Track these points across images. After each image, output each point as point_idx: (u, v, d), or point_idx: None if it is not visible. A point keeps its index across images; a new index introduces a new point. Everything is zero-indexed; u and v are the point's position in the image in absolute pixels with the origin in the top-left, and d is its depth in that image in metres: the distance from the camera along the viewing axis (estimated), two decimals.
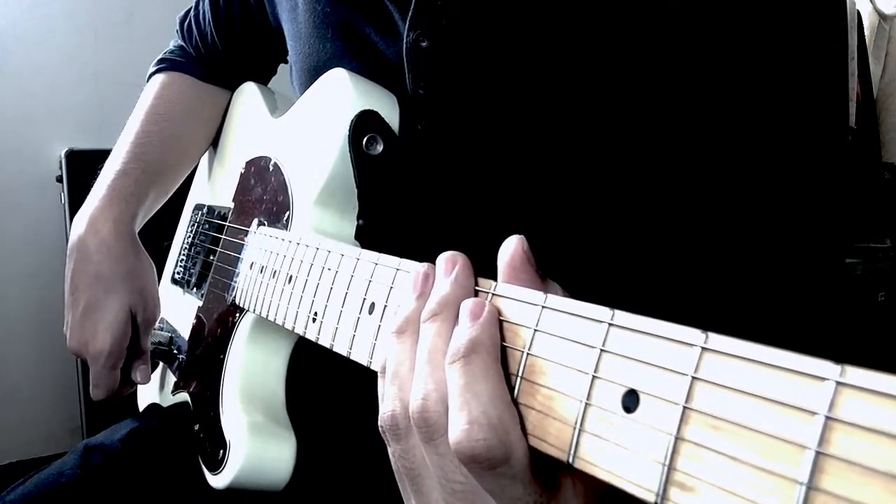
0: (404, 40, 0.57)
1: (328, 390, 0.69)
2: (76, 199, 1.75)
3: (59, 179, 1.77)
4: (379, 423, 0.36)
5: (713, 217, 0.54)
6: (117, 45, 1.91)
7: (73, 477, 0.65)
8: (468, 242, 0.37)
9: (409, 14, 0.56)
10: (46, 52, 1.84)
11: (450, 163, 0.59)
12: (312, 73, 0.66)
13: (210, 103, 0.89)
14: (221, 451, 0.61)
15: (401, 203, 0.59)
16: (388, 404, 0.35)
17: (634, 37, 0.52)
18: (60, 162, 1.77)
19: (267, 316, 0.58)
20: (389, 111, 0.58)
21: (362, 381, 0.47)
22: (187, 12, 0.92)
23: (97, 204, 0.76)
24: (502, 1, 0.54)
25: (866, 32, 1.96)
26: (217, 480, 0.61)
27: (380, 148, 0.57)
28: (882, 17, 2.00)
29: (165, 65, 0.91)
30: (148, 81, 0.92)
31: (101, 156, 1.79)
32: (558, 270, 0.35)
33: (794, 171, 0.53)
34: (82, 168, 1.76)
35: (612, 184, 0.55)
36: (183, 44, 0.92)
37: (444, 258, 0.36)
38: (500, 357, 0.32)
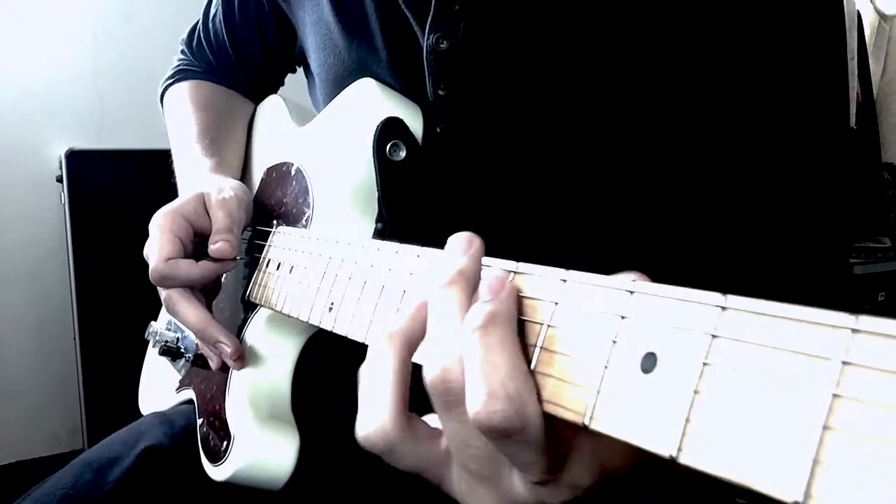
0: (424, 43, 0.59)
1: (335, 392, 0.69)
2: (76, 199, 1.75)
3: (59, 179, 1.78)
4: None
5: (719, 217, 0.55)
6: (117, 45, 1.91)
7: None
8: (486, 245, 0.38)
9: (429, 19, 0.58)
10: (46, 52, 1.84)
11: (469, 163, 0.60)
12: (336, 84, 0.68)
13: (239, 106, 0.89)
14: (225, 444, 0.61)
15: (419, 208, 0.60)
16: None
17: (646, 34, 0.53)
18: (60, 162, 1.77)
19: (281, 310, 0.59)
20: (413, 120, 0.60)
21: None
22: (192, 31, 0.91)
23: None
24: (518, 4, 0.56)
25: (866, 32, 1.96)
26: (218, 473, 0.61)
27: (403, 154, 0.59)
28: (882, 17, 2.01)
29: (181, 76, 0.90)
30: (163, 98, 0.91)
31: (101, 156, 1.83)
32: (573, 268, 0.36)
33: (796, 171, 0.54)
34: (82, 168, 1.76)
35: (629, 186, 0.56)
36: (190, 62, 0.91)
37: (462, 236, 0.36)
38: (520, 330, 0.33)
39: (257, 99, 0.90)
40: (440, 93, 0.60)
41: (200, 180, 0.70)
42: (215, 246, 0.61)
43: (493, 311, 0.32)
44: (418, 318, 0.36)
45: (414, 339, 0.35)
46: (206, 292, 0.66)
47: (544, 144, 0.58)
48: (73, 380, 1.79)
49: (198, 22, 0.91)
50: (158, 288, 0.64)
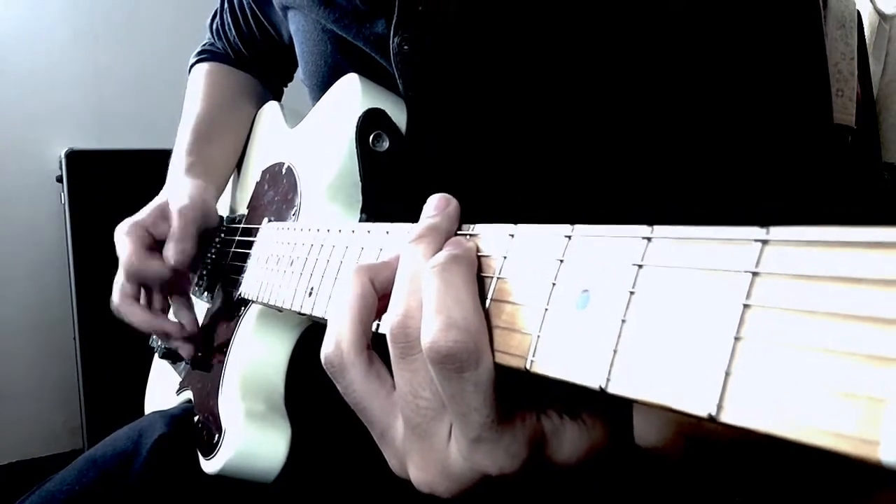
0: (390, 46, 0.59)
1: (328, 389, 0.69)
2: (76, 199, 1.75)
3: (59, 179, 1.78)
4: (322, 361, 0.37)
5: (709, 211, 0.55)
6: (117, 45, 1.91)
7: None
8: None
9: (393, 21, 0.58)
10: (46, 52, 1.84)
11: (452, 157, 0.61)
12: (320, 90, 0.70)
13: (250, 94, 0.94)
14: (217, 436, 0.61)
15: (403, 198, 0.60)
16: (328, 341, 0.36)
17: (609, 30, 0.53)
18: (60, 162, 1.77)
19: (267, 301, 0.59)
20: (397, 112, 0.61)
21: None
22: (215, 15, 0.95)
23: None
24: (482, 5, 0.56)
25: (866, 32, 1.96)
26: (210, 465, 0.61)
27: (386, 145, 0.60)
28: (882, 17, 2.00)
29: (207, 56, 0.95)
30: (190, 71, 0.96)
31: (101, 156, 1.83)
32: None
33: (784, 167, 0.54)
34: (82, 168, 1.76)
35: (606, 183, 0.56)
36: (215, 43, 0.96)
37: (439, 196, 0.37)
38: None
39: (274, 83, 0.97)
40: (410, 94, 0.61)
41: (170, 183, 0.78)
42: (167, 253, 0.70)
43: (455, 254, 0.33)
44: (388, 264, 0.37)
45: (379, 276, 0.37)
46: (171, 289, 0.75)
47: (516, 145, 0.58)
48: (73, 380, 1.80)
49: (219, 7, 0.94)
50: (114, 304, 0.75)
